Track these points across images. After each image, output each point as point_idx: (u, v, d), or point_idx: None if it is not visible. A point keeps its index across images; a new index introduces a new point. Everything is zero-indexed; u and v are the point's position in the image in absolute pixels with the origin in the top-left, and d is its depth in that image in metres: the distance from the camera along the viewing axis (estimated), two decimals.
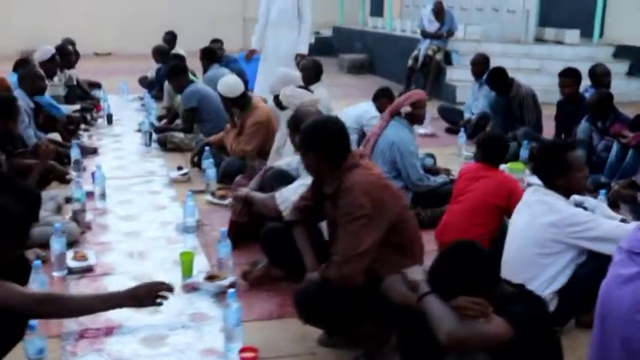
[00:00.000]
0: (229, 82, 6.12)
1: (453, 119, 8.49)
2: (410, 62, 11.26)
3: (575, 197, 3.85)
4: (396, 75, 12.45)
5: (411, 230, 3.08)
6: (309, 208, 3.27)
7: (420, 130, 8.24)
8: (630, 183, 4.93)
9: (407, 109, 5.31)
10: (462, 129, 7.58)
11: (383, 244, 2.96)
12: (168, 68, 7.59)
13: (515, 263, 3.62)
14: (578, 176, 3.56)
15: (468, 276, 2.39)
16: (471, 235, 4.19)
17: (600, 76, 7.40)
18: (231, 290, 3.38)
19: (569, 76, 6.94)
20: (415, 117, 5.35)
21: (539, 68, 11.27)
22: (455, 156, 7.13)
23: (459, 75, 10.63)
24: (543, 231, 3.48)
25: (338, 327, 3.10)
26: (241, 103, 6.06)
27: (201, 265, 4.35)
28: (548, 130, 7.42)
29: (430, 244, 4.16)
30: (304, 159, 3.15)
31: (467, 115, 8.31)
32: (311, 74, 6.91)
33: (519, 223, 3.65)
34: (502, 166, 6.39)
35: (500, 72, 7.31)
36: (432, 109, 9.16)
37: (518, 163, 6.39)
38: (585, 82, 7.45)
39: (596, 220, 3.46)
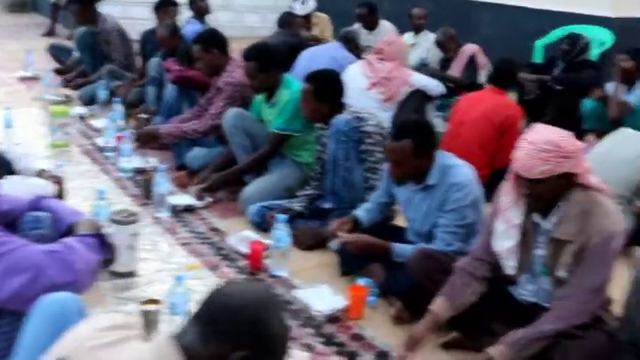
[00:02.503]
0: None
1: (63, 59, 7.61)
2: None
3: None
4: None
5: None
6: None
7: (20, 72, 7.36)
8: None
9: None
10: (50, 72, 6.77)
11: None
12: None
13: None
14: None
15: None
16: None
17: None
18: None
19: None
20: None
21: (224, 4, 10.64)
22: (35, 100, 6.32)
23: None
24: None
25: None
26: None
27: None
28: None
29: None
30: None
31: (74, 54, 7.47)
32: None
33: None
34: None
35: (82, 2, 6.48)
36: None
37: (63, 107, 5.74)
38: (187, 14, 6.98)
39: None
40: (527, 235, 2.59)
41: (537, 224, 2.56)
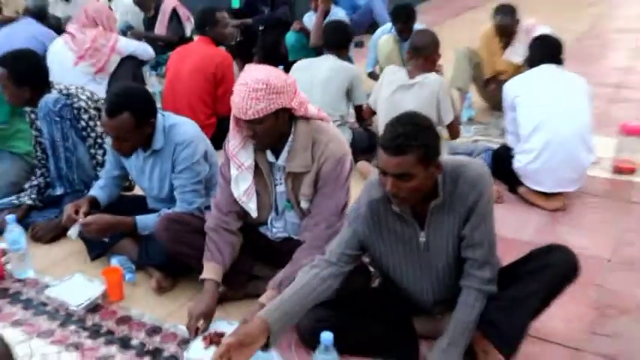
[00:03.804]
0: None
1: None
2: None
3: None
4: None
5: None
6: None
7: None
8: None
9: None
10: None
11: None
12: None
13: None
14: None
15: None
16: None
17: None
18: None
19: None
20: None
21: None
22: None
23: None
24: None
25: None
26: None
27: None
28: None
29: None
30: None
31: None
32: None
33: None
34: None
35: None
36: None
37: None
38: None
39: None
40: (266, 175, 2.64)
41: (272, 162, 2.62)
